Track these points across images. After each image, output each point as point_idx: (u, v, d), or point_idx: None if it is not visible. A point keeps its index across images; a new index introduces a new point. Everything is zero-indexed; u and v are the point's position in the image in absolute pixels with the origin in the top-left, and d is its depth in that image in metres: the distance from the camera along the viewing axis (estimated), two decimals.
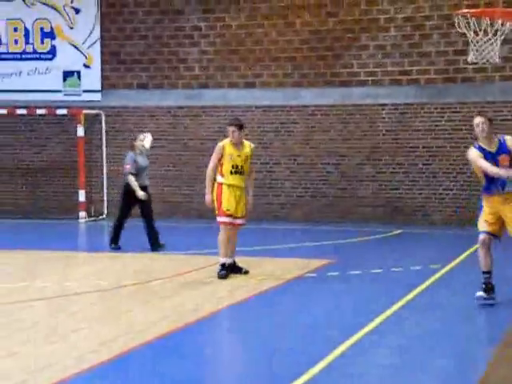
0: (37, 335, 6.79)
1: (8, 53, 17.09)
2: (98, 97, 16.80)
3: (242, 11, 16.17)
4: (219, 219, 9.43)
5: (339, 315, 7.77)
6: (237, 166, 9.43)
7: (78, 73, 16.85)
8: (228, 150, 9.43)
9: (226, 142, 9.53)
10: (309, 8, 15.83)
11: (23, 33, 16.98)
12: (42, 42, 16.97)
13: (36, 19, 16.94)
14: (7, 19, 17.00)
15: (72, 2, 16.82)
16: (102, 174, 16.90)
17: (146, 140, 11.89)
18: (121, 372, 5.84)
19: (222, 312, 7.79)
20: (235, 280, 9.35)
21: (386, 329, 7.11)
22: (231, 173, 9.41)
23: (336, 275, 9.73)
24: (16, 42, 17.06)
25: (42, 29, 16.95)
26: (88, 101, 16.78)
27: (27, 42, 17.01)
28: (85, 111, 16.49)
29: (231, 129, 9.50)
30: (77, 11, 16.81)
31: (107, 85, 16.83)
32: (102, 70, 16.80)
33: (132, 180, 11.53)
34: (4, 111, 16.62)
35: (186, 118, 16.53)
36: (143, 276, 9.59)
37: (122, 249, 11.76)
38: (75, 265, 10.97)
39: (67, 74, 16.89)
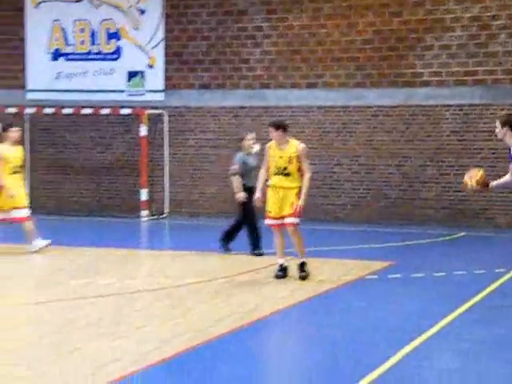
0: (101, 331, 6.90)
1: (75, 53, 17.45)
2: (160, 97, 17.01)
3: (304, 12, 16.14)
4: (265, 222, 9.54)
5: (402, 318, 7.67)
6: (279, 167, 9.38)
7: (142, 73, 17.09)
8: (271, 151, 9.46)
9: (272, 143, 9.53)
10: (372, 8, 15.71)
11: (89, 34, 17.31)
12: (108, 43, 17.27)
13: (102, 20, 17.25)
14: (74, 20, 17.35)
15: (137, 3, 17.07)
16: (164, 174, 17.10)
17: (255, 146, 11.47)
18: (183, 370, 5.89)
19: (282, 312, 7.78)
20: (296, 281, 9.33)
21: (449, 332, 7.00)
22: (274, 174, 9.43)
23: (398, 277, 9.63)
24: (82, 42, 17.40)
25: (107, 30, 17.24)
26: (151, 101, 17.00)
27: (93, 43, 17.33)
28: (148, 111, 16.71)
29: (269, 130, 9.52)
30: (142, 12, 17.06)
31: (170, 85, 17.01)
32: (165, 70, 16.99)
33: (235, 180, 11.19)
34: (70, 111, 16.97)
35: (247, 118, 16.58)
36: (205, 275, 9.66)
37: (188, 247, 11.84)
38: (137, 263, 11.12)
39: (131, 75, 17.15)
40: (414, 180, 15.62)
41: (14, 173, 11.19)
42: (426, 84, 15.47)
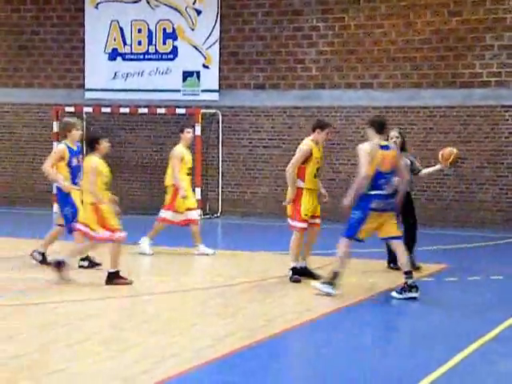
0: (157, 328, 6.97)
1: (131, 53, 17.67)
2: (215, 96, 17.09)
3: (361, 11, 16.03)
4: (296, 224, 9.12)
5: (458, 321, 7.56)
6: (318, 169, 9.22)
7: (198, 73, 17.20)
8: (315, 153, 9.17)
9: (312, 144, 9.20)
10: (431, 7, 15.50)
11: (146, 34, 17.51)
12: (164, 43, 17.43)
13: (159, 20, 17.42)
14: (132, 20, 17.58)
15: (194, 4, 17.20)
16: (218, 173, 17.18)
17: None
18: (236, 368, 5.90)
19: (333, 313, 7.73)
20: (348, 281, 9.27)
21: (508, 337, 6.86)
22: (314, 176, 9.13)
23: (454, 280, 9.48)
24: (139, 42, 17.61)
25: (164, 30, 17.41)
26: (206, 100, 17.10)
27: (150, 43, 17.52)
28: (202, 111, 16.81)
29: (321, 131, 9.26)
30: (198, 12, 17.17)
31: (225, 85, 17.09)
32: (220, 70, 17.08)
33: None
34: (127, 110, 17.19)
35: (301, 118, 16.55)
36: (258, 274, 9.66)
37: (241, 247, 11.85)
38: (191, 261, 11.18)
39: (187, 75, 17.28)
40: (470, 182, 15.37)
41: (188, 174, 11.19)
42: (484, 84, 15.20)
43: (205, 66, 17.14)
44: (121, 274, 8.72)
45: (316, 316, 7.51)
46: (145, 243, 11.10)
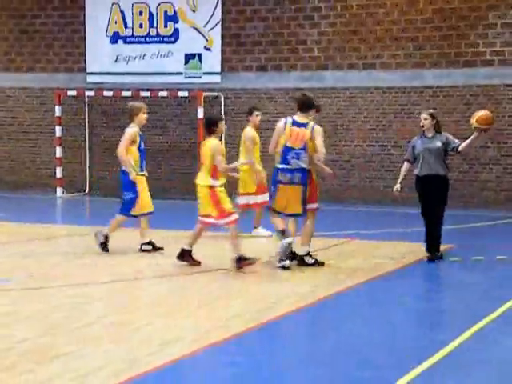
0: (163, 310, 6.99)
1: (133, 36, 17.60)
2: (217, 79, 17.04)
3: None
4: (313, 206, 9.07)
5: (463, 301, 7.57)
6: None
7: (199, 55, 17.14)
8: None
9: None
10: None
11: (148, 16, 17.43)
12: (166, 26, 17.35)
13: (160, 3, 17.34)
14: (133, 3, 17.49)
15: None
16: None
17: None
18: (243, 349, 5.93)
19: (341, 295, 7.75)
20: (354, 263, 9.29)
21: None
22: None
23: (458, 260, 9.49)
24: (141, 25, 17.53)
25: (165, 12, 17.33)
26: (208, 83, 17.05)
27: (151, 26, 17.44)
28: (205, 93, 16.77)
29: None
30: None
31: (227, 67, 17.03)
32: (222, 52, 17.01)
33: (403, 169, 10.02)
34: (129, 93, 17.14)
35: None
36: (263, 255, 9.67)
37: (244, 229, 11.86)
38: (200, 244, 11.20)
39: (189, 57, 17.21)
40: (474, 162, 15.33)
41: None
42: (487, 63, 15.13)
43: (206, 49, 17.07)
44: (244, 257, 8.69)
45: (321, 297, 7.53)
46: (258, 230, 11.15)
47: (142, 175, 9.84)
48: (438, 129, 9.75)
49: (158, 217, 10.81)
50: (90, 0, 17.70)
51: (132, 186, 9.69)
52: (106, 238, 9.73)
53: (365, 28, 15.97)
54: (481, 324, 6.50)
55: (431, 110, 10.10)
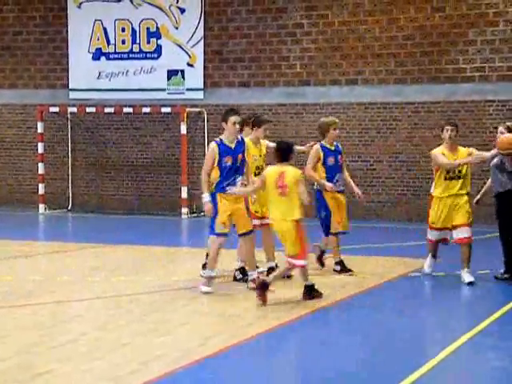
0: (145, 327, 6.95)
1: (115, 52, 17.60)
2: (200, 95, 17.07)
3: (345, 8, 16.05)
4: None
5: (447, 315, 7.60)
6: (258, 167, 9.10)
7: (182, 72, 17.17)
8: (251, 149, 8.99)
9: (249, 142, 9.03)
10: (414, 3, 15.55)
11: (130, 33, 17.44)
12: (148, 42, 17.38)
13: (143, 19, 17.36)
14: (115, 20, 17.51)
15: (177, 2, 17.15)
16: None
17: None
18: (224, 368, 5.90)
19: (324, 310, 7.74)
20: (337, 278, 9.29)
21: (498, 331, 6.90)
22: (254, 175, 8.93)
23: (442, 275, 9.51)
24: (123, 42, 17.54)
25: (148, 29, 17.36)
26: (191, 99, 17.07)
27: (134, 42, 17.46)
28: (188, 109, 16.78)
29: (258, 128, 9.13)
30: (182, 11, 17.13)
31: (210, 83, 17.06)
32: (204, 68, 17.05)
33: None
34: (111, 109, 17.13)
35: (286, 116, 16.56)
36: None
37: (230, 245, 11.84)
38: (178, 260, 11.17)
39: (171, 73, 17.23)
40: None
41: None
42: (468, 80, 15.27)
43: (189, 65, 17.10)
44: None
45: (305, 312, 7.51)
46: None
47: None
48: None
49: (140, 232, 10.80)
50: (73, 16, 17.70)
51: (323, 202, 9.52)
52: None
53: (346, 44, 16.08)
54: (464, 338, 6.51)
55: (509, 123, 9.39)
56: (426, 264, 9.52)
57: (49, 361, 5.81)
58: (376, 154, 16.03)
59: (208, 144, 17.27)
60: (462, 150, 9.13)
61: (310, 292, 8.00)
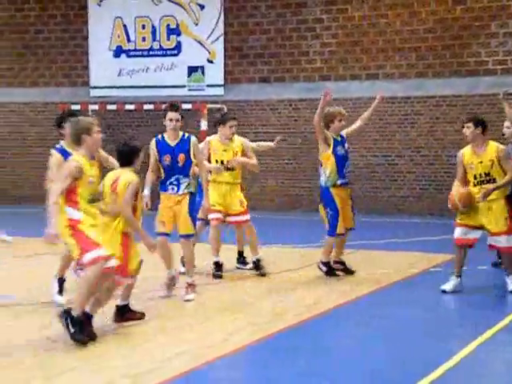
0: (166, 325, 6.97)
1: (136, 50, 17.66)
2: (220, 91, 17.07)
3: (365, 2, 15.97)
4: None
5: (469, 311, 7.55)
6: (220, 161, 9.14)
7: (202, 68, 17.19)
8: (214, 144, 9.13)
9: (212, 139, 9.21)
10: None
11: (150, 30, 17.50)
12: (168, 39, 17.42)
13: (162, 16, 17.41)
14: (136, 17, 17.56)
15: None
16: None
17: None
18: (247, 363, 5.91)
19: (346, 306, 7.72)
20: (359, 274, 9.26)
21: None
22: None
23: (464, 270, 9.44)
24: (144, 39, 17.60)
25: (168, 26, 17.40)
26: (211, 95, 17.08)
27: (154, 39, 17.51)
28: (208, 106, 16.79)
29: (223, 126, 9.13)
30: (201, 7, 17.15)
31: (230, 79, 17.07)
32: (224, 64, 17.05)
33: None
34: (132, 107, 17.19)
35: (307, 111, 16.51)
36: (268, 268, 9.64)
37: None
38: (197, 256, 11.16)
39: (192, 70, 17.27)
40: None
41: None
42: (490, 72, 15.14)
43: (209, 61, 17.12)
44: None
45: (325, 309, 7.50)
46: None
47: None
48: None
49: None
50: (93, 14, 17.79)
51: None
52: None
53: (367, 39, 16.00)
54: (486, 335, 6.46)
55: None
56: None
57: (71, 359, 5.85)
58: (397, 148, 15.94)
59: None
60: (491, 149, 8.05)
61: (122, 315, 6.89)
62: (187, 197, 7.89)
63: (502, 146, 8.18)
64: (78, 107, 17.56)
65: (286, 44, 16.65)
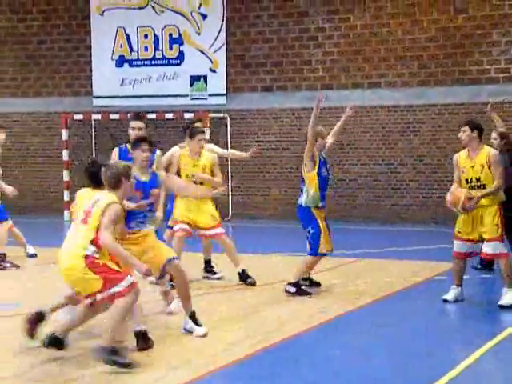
0: (169, 334, 6.95)
1: (138, 59, 17.70)
2: (223, 100, 17.10)
3: (367, 11, 16.01)
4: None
5: (473, 320, 7.53)
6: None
7: (205, 77, 17.22)
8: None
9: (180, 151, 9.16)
10: (436, 5, 15.47)
11: (153, 39, 17.54)
12: (171, 48, 17.46)
13: (165, 26, 17.45)
14: (138, 27, 17.62)
15: (199, 8, 17.22)
16: (228, 176, 17.17)
17: None
18: (250, 373, 5.89)
19: (346, 316, 7.70)
20: (361, 283, 9.24)
21: None
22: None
23: (467, 278, 9.42)
24: (146, 48, 17.64)
25: (170, 35, 17.44)
26: (214, 104, 17.11)
27: (156, 49, 17.55)
28: (210, 115, 16.82)
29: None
30: (204, 17, 17.19)
31: (232, 88, 17.09)
32: (227, 73, 17.08)
33: None
34: None
35: (309, 120, 16.47)
36: (270, 277, 9.64)
37: (252, 250, 11.83)
38: (202, 265, 11.15)
39: (194, 79, 17.29)
40: None
41: None
42: (492, 81, 15.15)
43: (212, 70, 17.15)
44: None
45: (328, 319, 7.49)
46: None
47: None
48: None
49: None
50: (96, 24, 17.84)
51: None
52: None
53: (369, 47, 16.03)
54: (492, 342, 6.45)
55: (501, 129, 8.96)
56: None
57: (77, 368, 5.84)
58: (400, 156, 15.94)
59: (231, 149, 17.31)
60: (483, 155, 7.94)
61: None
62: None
63: (493, 151, 8.06)
64: (80, 117, 17.62)
65: (288, 53, 16.68)
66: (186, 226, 9.02)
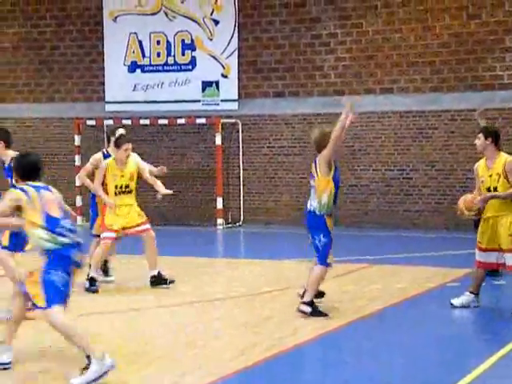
0: (181, 339, 6.95)
1: (151, 65, 17.75)
2: (235, 106, 17.11)
3: (379, 17, 15.99)
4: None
5: (486, 327, 7.48)
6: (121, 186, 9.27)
7: (217, 83, 17.24)
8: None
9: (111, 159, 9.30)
10: (449, 11, 15.43)
11: (165, 45, 17.59)
12: (183, 54, 17.50)
13: (177, 32, 17.49)
14: (150, 32, 17.67)
15: (212, 14, 17.25)
16: (239, 182, 17.19)
17: None
18: (263, 379, 5.87)
19: (361, 321, 7.68)
20: (374, 288, 9.21)
21: None
22: (115, 194, 9.29)
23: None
24: (158, 54, 17.68)
25: (183, 41, 17.48)
26: (225, 110, 17.13)
27: (169, 54, 17.59)
28: (222, 120, 16.84)
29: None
30: (216, 23, 17.22)
31: (244, 94, 17.11)
32: (239, 79, 17.10)
33: None
34: (147, 121, 17.26)
35: (321, 126, 16.46)
36: (282, 283, 9.63)
37: (264, 256, 11.81)
38: (213, 271, 11.17)
39: (206, 84, 17.32)
40: None
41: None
42: (505, 87, 15.08)
43: (224, 76, 17.17)
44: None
45: (340, 324, 7.46)
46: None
47: None
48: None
49: (176, 243, 10.81)
50: (108, 30, 17.91)
51: None
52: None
53: (381, 53, 16.00)
54: (508, 348, 6.40)
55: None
56: None
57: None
58: (412, 162, 15.90)
59: (243, 154, 17.37)
60: (499, 163, 7.75)
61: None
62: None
63: (510, 159, 7.79)
64: (93, 122, 17.68)
65: (300, 59, 16.68)
66: (114, 235, 9.26)
